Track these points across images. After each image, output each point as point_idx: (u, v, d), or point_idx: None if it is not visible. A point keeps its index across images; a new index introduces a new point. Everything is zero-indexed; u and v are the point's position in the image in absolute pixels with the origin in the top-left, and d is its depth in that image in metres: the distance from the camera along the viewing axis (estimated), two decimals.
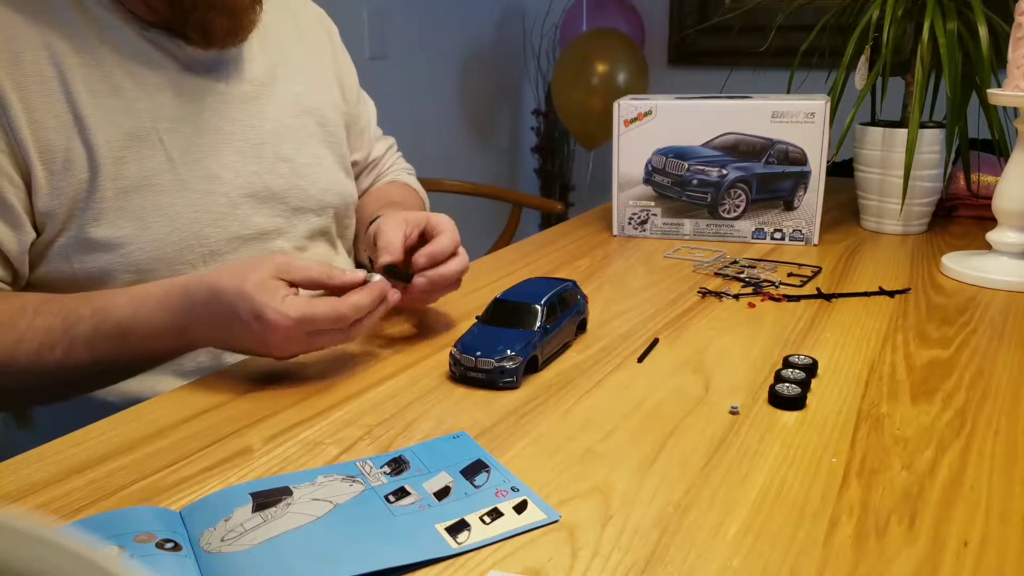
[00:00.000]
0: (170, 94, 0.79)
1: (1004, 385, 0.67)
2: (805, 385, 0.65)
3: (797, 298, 0.89)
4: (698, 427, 0.60)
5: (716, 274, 1.00)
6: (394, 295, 0.70)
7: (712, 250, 1.11)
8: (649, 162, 1.15)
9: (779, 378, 0.66)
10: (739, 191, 1.13)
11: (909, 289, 0.92)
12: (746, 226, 1.14)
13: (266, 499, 0.51)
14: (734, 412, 0.62)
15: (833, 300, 0.89)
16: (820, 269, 1.01)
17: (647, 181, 1.16)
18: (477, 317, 0.74)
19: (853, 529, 0.47)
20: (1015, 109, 0.93)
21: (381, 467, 0.55)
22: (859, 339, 0.77)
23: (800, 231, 1.13)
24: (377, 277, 0.69)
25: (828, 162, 1.10)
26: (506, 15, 2.89)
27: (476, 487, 0.52)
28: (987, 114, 1.09)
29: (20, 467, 0.56)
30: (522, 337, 0.69)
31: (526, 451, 0.57)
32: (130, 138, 0.76)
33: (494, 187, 2.28)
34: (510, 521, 0.49)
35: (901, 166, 1.07)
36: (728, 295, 0.91)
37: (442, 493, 0.52)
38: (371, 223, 0.83)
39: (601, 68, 2.55)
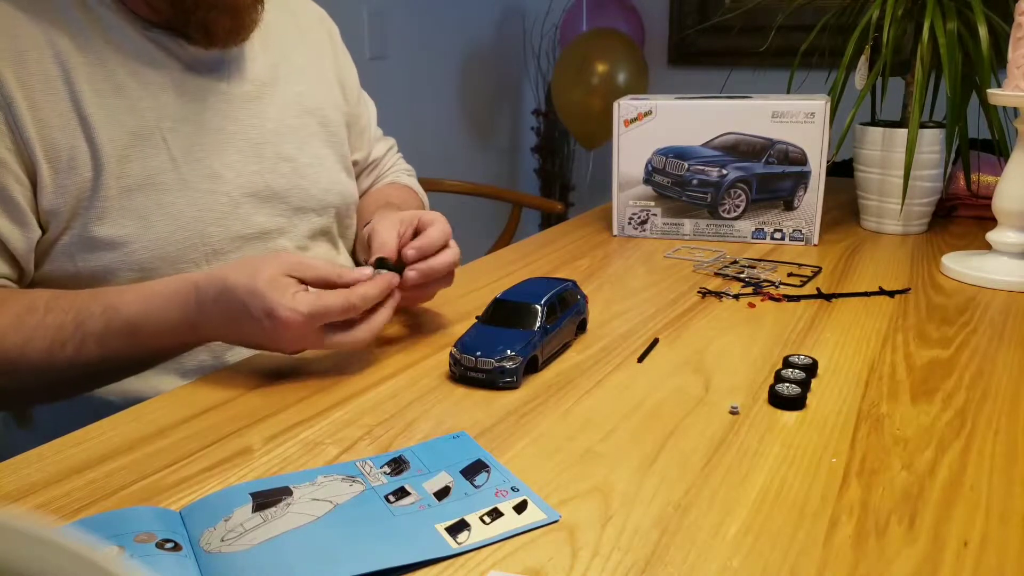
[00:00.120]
0: (173, 93, 0.79)
1: (1004, 385, 0.67)
2: (805, 385, 0.65)
3: (797, 298, 0.89)
4: (698, 427, 0.60)
5: (716, 274, 1.00)
6: (395, 280, 0.70)
7: (712, 250, 1.11)
8: (649, 162, 1.15)
9: (779, 378, 0.66)
10: (739, 191, 1.13)
11: (909, 289, 0.92)
12: (746, 226, 1.14)
13: (266, 499, 0.51)
14: (734, 412, 0.62)
15: (833, 300, 0.89)
16: (820, 269, 1.01)
17: (647, 181, 1.16)
18: (477, 317, 0.74)
19: (853, 529, 0.47)
20: (1015, 109, 0.93)
21: (381, 467, 0.55)
22: (859, 339, 0.77)
23: (800, 231, 1.13)
24: (383, 272, 0.70)
25: (828, 162, 1.10)
26: (506, 15, 2.89)
27: (476, 487, 0.52)
28: (987, 114, 1.09)
29: (20, 467, 0.56)
30: (522, 337, 0.69)
31: (526, 451, 0.57)
32: (134, 137, 0.76)
33: (494, 187, 2.28)
34: (510, 521, 0.49)
35: (901, 166, 1.07)
36: (728, 295, 0.91)
37: (442, 493, 0.52)
38: (366, 225, 0.83)
39: (601, 68, 2.55)
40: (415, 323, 0.84)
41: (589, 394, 0.66)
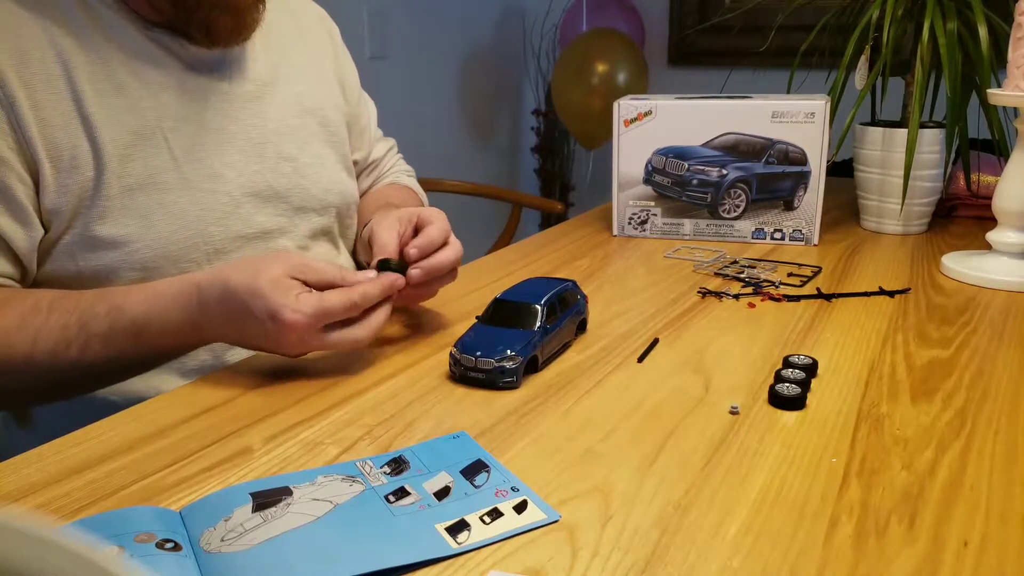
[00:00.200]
0: (174, 93, 0.79)
1: (1004, 385, 0.67)
2: (805, 385, 0.65)
3: (797, 298, 0.89)
4: (698, 427, 0.60)
5: (716, 274, 1.00)
6: (400, 281, 0.70)
7: (712, 250, 1.11)
8: (649, 162, 1.15)
9: (779, 378, 0.66)
10: (739, 191, 1.13)
11: (909, 289, 0.92)
12: (746, 226, 1.14)
13: (266, 499, 0.51)
14: (734, 412, 0.62)
15: (833, 300, 0.89)
16: (820, 269, 1.01)
17: (647, 181, 1.16)
18: (477, 317, 0.74)
19: (853, 529, 0.47)
20: (1015, 109, 0.93)
21: (381, 467, 0.55)
22: (859, 339, 0.77)
23: (800, 231, 1.13)
24: (387, 273, 0.70)
25: (828, 162, 1.10)
26: (506, 15, 2.89)
27: (476, 487, 0.52)
28: (987, 114, 1.09)
29: (20, 467, 0.56)
30: (522, 337, 0.69)
31: (526, 451, 0.57)
32: (135, 137, 0.76)
33: (494, 187, 2.28)
34: (510, 521, 0.49)
35: (901, 166, 1.07)
36: (728, 295, 0.91)
37: (442, 493, 0.52)
38: (366, 226, 0.83)
39: (601, 68, 2.55)
40: (415, 323, 0.84)
41: (589, 394, 0.66)
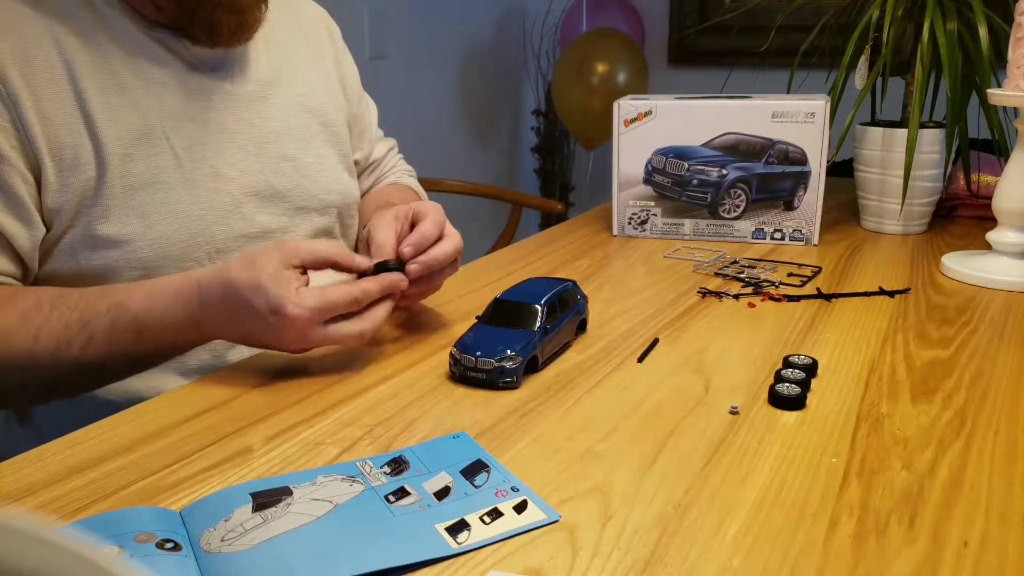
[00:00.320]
0: (176, 92, 0.79)
1: (1004, 385, 0.67)
2: (805, 385, 0.65)
3: (797, 298, 0.89)
4: (698, 427, 0.60)
5: (716, 274, 1.00)
6: (403, 282, 0.71)
7: (712, 250, 1.11)
8: (649, 162, 1.15)
9: (779, 378, 0.66)
10: (739, 191, 1.13)
11: (909, 289, 0.92)
12: (746, 226, 1.14)
13: (266, 499, 0.51)
14: (734, 412, 0.62)
15: (833, 300, 0.89)
16: (820, 269, 1.01)
17: (647, 181, 1.16)
18: (477, 317, 0.74)
19: (853, 529, 0.47)
20: (1015, 109, 0.93)
21: (381, 467, 0.55)
22: (859, 339, 0.77)
23: (800, 231, 1.13)
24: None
25: (828, 162, 1.10)
26: (506, 15, 2.89)
27: (476, 487, 0.52)
28: (987, 114, 1.09)
29: (20, 467, 0.56)
30: (522, 337, 0.69)
31: (526, 451, 0.57)
32: (138, 136, 0.76)
33: (494, 187, 2.28)
34: (510, 521, 0.49)
35: (901, 166, 1.07)
36: (728, 295, 0.91)
37: (442, 493, 0.52)
38: (365, 227, 0.83)
39: (601, 68, 2.55)
40: (415, 323, 0.84)
41: (589, 394, 0.66)
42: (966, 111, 1.13)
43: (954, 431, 0.59)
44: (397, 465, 0.55)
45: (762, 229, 1.14)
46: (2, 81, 0.70)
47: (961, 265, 0.96)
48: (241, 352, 0.82)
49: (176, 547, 0.46)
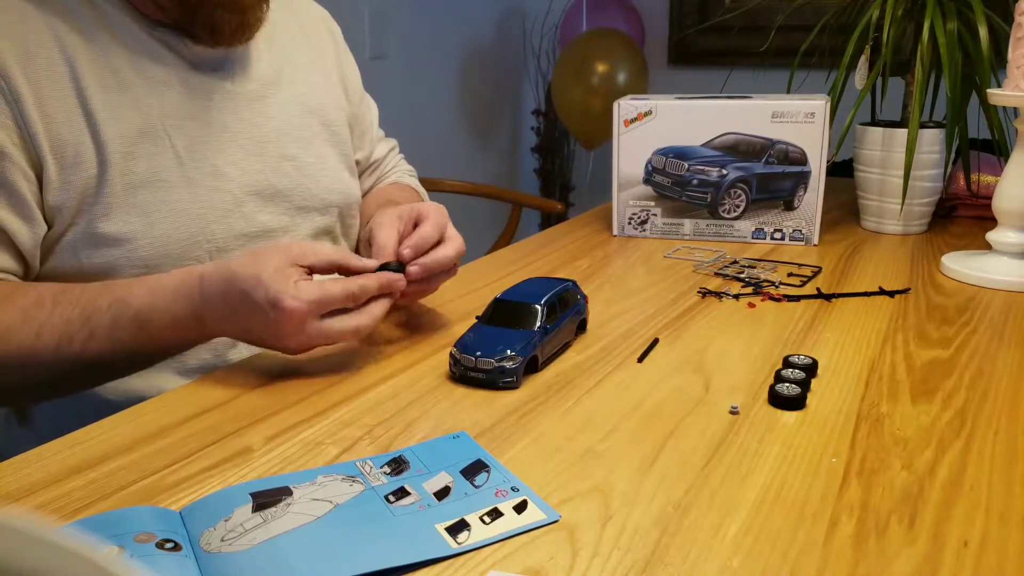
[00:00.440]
0: (178, 91, 0.80)
1: (1004, 385, 0.67)
2: (805, 385, 0.65)
3: (797, 298, 0.89)
4: (698, 427, 0.60)
5: (716, 274, 1.00)
6: (401, 282, 0.71)
7: (712, 250, 1.11)
8: (649, 162, 1.15)
9: (779, 378, 0.66)
10: (739, 191, 1.13)
11: (909, 289, 0.92)
12: (746, 226, 1.14)
13: (266, 499, 0.51)
14: (734, 412, 0.62)
15: (833, 300, 0.89)
16: (820, 269, 1.01)
17: (647, 181, 1.16)
18: (477, 317, 0.74)
19: (853, 529, 0.47)
20: (1015, 109, 0.93)
21: (381, 467, 0.55)
22: (859, 339, 0.77)
23: (800, 231, 1.13)
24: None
25: (828, 162, 1.10)
26: (506, 15, 2.89)
27: (476, 487, 0.52)
28: (987, 114, 1.09)
29: (20, 467, 0.56)
30: (522, 337, 0.69)
31: (526, 451, 0.57)
32: (139, 134, 0.76)
33: (494, 187, 2.28)
34: (510, 521, 0.49)
35: (901, 166, 1.07)
36: (728, 295, 0.91)
37: (442, 493, 0.52)
38: (367, 224, 0.83)
39: (601, 68, 2.55)
40: (415, 323, 0.84)
41: (589, 394, 0.66)
42: (966, 111, 1.13)
43: (954, 431, 0.59)
44: (397, 465, 0.55)
45: (762, 229, 1.14)
46: (4, 78, 0.70)
47: (961, 265, 0.96)
48: (241, 352, 0.82)
49: (176, 547, 0.46)
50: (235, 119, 0.84)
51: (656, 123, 1.14)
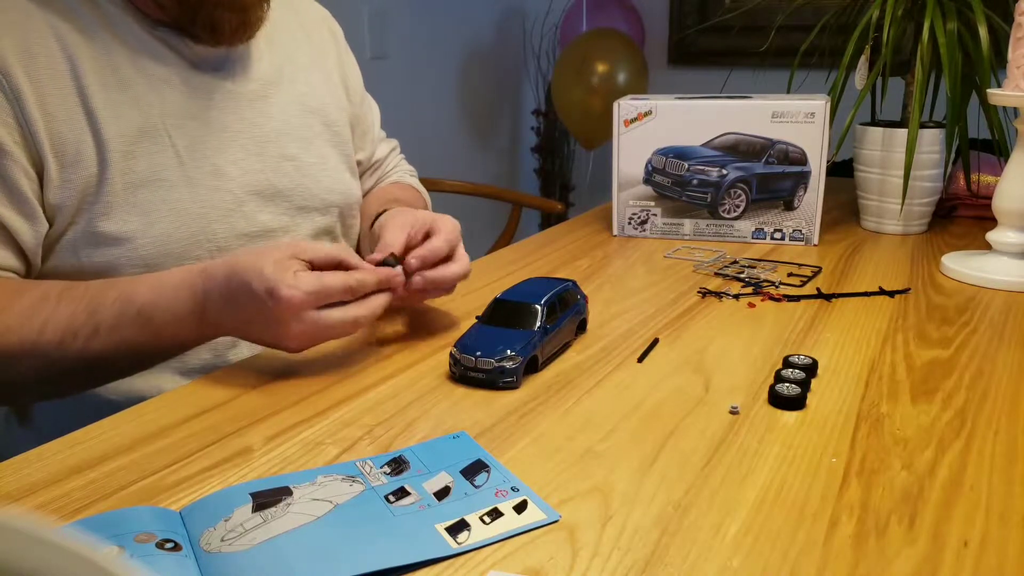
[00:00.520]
0: (178, 90, 0.80)
1: (1004, 385, 0.67)
2: (805, 385, 0.65)
3: (797, 298, 0.89)
4: (698, 427, 0.60)
5: (716, 274, 1.00)
6: (400, 277, 0.71)
7: (712, 250, 1.11)
8: (649, 162, 1.15)
9: (779, 378, 0.66)
10: (739, 191, 1.13)
11: (909, 289, 0.92)
12: (746, 226, 1.14)
13: (266, 499, 0.51)
14: (734, 412, 0.62)
15: (833, 300, 0.89)
16: (820, 269, 1.01)
17: (647, 181, 1.16)
18: (477, 317, 0.74)
19: (853, 529, 0.47)
20: (1015, 109, 0.93)
21: (381, 467, 0.55)
22: (859, 339, 0.77)
23: (800, 231, 1.13)
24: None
25: (828, 162, 1.10)
26: (506, 15, 2.89)
27: (476, 487, 0.52)
28: (987, 114, 1.09)
29: (20, 467, 0.56)
30: (522, 337, 0.69)
31: (526, 451, 0.57)
32: (139, 133, 0.76)
33: (494, 187, 2.28)
34: (510, 521, 0.49)
35: (901, 166, 1.07)
36: (728, 295, 0.91)
37: (442, 493, 0.52)
38: (376, 218, 0.83)
39: (601, 68, 2.55)
40: (415, 323, 0.84)
41: (589, 394, 0.66)
42: (966, 111, 1.13)
43: (954, 431, 0.59)
44: (397, 465, 0.55)
45: (762, 229, 1.14)
46: (5, 76, 0.70)
47: (961, 265, 0.96)
48: (241, 352, 0.82)
49: (176, 547, 0.46)
50: (236, 119, 0.84)
51: (656, 123, 1.14)
